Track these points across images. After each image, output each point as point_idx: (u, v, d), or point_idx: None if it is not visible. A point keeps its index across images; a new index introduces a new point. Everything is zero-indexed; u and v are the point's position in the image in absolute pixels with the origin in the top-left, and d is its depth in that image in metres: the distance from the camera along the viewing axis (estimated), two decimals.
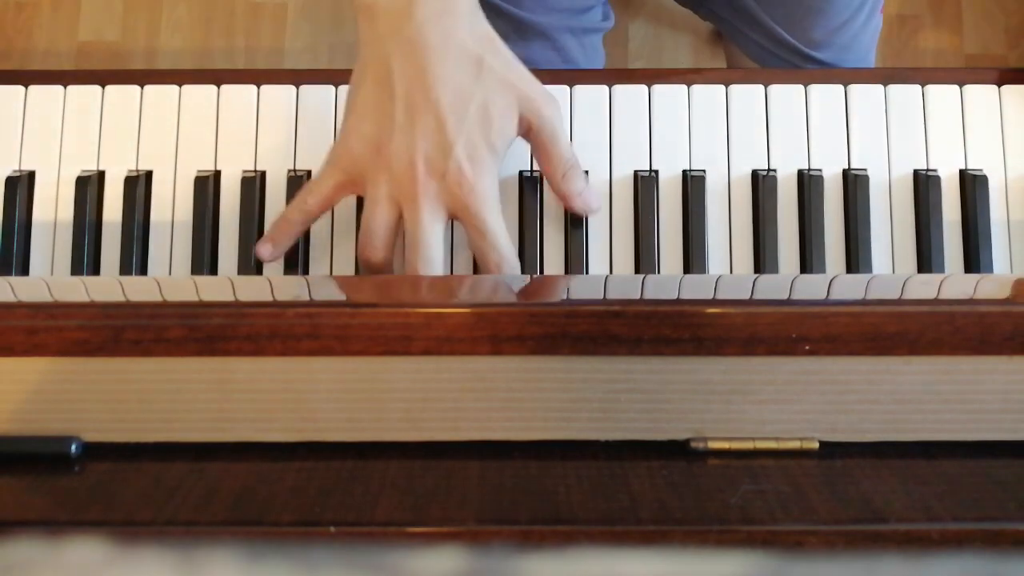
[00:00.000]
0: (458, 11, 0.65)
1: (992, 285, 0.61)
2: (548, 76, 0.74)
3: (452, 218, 0.66)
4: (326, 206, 0.68)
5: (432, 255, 0.65)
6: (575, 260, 0.71)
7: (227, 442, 0.52)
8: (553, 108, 0.67)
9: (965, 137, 0.73)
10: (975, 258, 0.70)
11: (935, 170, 0.72)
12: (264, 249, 0.69)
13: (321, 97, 0.73)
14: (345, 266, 0.71)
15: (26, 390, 0.51)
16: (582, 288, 0.62)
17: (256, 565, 0.21)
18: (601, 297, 0.58)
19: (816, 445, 0.51)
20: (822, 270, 0.70)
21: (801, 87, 0.73)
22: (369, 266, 0.66)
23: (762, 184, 0.71)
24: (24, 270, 0.71)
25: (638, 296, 0.60)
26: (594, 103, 0.73)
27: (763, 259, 0.70)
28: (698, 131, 0.73)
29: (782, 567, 0.24)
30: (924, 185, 0.71)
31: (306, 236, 0.71)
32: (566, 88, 0.73)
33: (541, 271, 0.70)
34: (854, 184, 0.71)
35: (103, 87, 0.74)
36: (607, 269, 0.71)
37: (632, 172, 0.72)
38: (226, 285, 0.64)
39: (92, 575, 0.21)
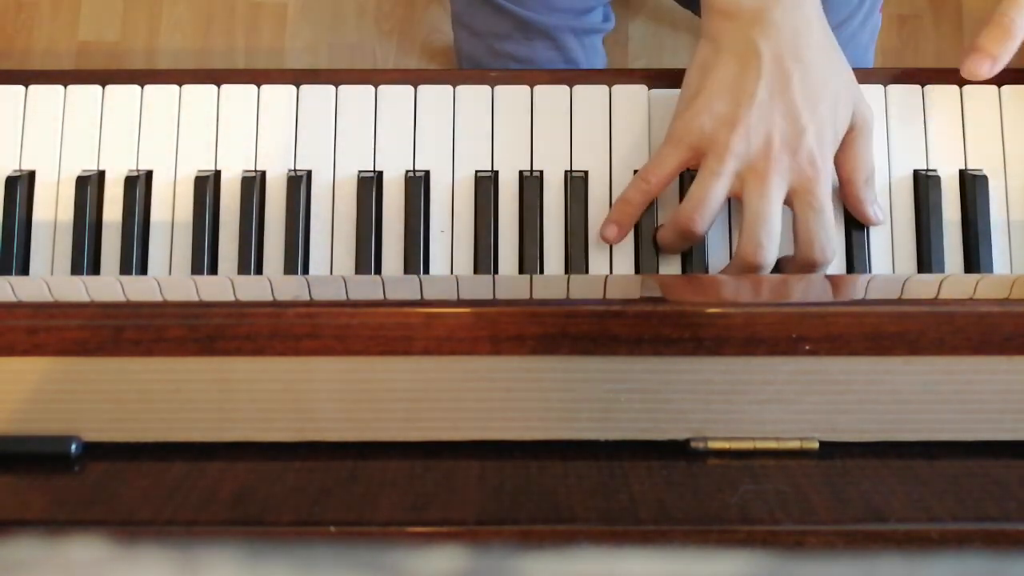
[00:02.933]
0: (813, 1, 0.68)
1: (992, 285, 0.61)
2: (548, 76, 0.74)
3: (787, 198, 0.67)
4: (668, 183, 0.70)
5: (775, 229, 0.66)
6: (575, 260, 0.71)
7: (227, 442, 0.51)
8: (871, 112, 0.70)
9: (965, 137, 0.72)
10: (975, 258, 0.70)
11: (935, 170, 0.72)
12: (610, 231, 0.70)
13: (321, 97, 0.73)
14: (345, 266, 0.71)
15: (26, 390, 0.51)
16: (582, 288, 0.62)
17: (256, 565, 0.21)
18: (601, 297, 0.58)
19: (816, 445, 0.51)
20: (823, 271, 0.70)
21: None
22: (689, 236, 0.68)
23: None
24: (24, 270, 0.71)
25: (638, 296, 0.60)
26: (594, 103, 0.73)
27: None
28: None
29: (782, 567, 0.24)
30: (924, 185, 0.71)
31: (306, 236, 0.71)
32: (566, 88, 0.73)
33: (541, 271, 0.70)
34: None
35: (103, 87, 0.74)
36: (607, 269, 0.71)
37: (632, 172, 0.72)
38: (226, 285, 0.64)
39: (93, 573, 0.21)
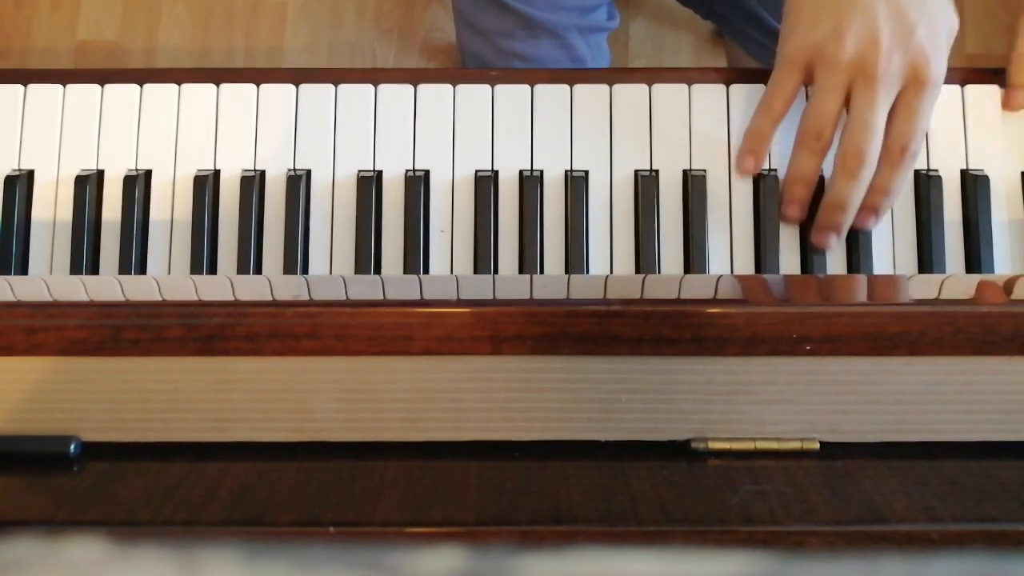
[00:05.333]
0: None
1: (992, 286, 0.61)
2: (548, 75, 0.74)
3: (897, 99, 0.66)
4: (791, 104, 0.70)
5: (878, 136, 0.66)
6: (575, 260, 0.70)
7: (226, 442, 0.51)
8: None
9: (966, 137, 0.72)
10: (976, 258, 0.70)
11: (936, 170, 0.72)
12: (748, 163, 0.71)
13: (321, 96, 0.73)
14: (345, 266, 0.71)
15: (25, 389, 0.51)
16: (582, 288, 0.62)
17: (255, 563, 0.21)
18: (601, 297, 0.58)
19: (817, 446, 0.51)
20: (823, 270, 0.70)
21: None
22: (818, 146, 0.68)
23: (763, 184, 0.71)
24: (23, 269, 0.71)
25: (638, 296, 0.60)
26: (594, 102, 0.73)
27: (764, 259, 0.70)
28: (699, 130, 0.72)
29: (783, 567, 0.24)
30: (925, 185, 0.71)
31: (305, 235, 0.71)
32: (566, 87, 0.73)
33: (541, 271, 0.70)
34: None
35: (102, 86, 0.74)
36: (607, 269, 0.71)
37: (633, 172, 0.72)
38: (225, 284, 0.64)
39: (92, 573, 0.21)
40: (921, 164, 0.72)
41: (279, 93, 0.73)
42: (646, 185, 0.71)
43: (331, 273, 0.71)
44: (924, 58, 0.65)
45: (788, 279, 0.67)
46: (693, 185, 0.71)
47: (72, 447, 0.50)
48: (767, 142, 0.71)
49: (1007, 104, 0.71)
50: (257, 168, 0.72)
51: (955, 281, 0.64)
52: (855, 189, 0.67)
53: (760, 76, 0.74)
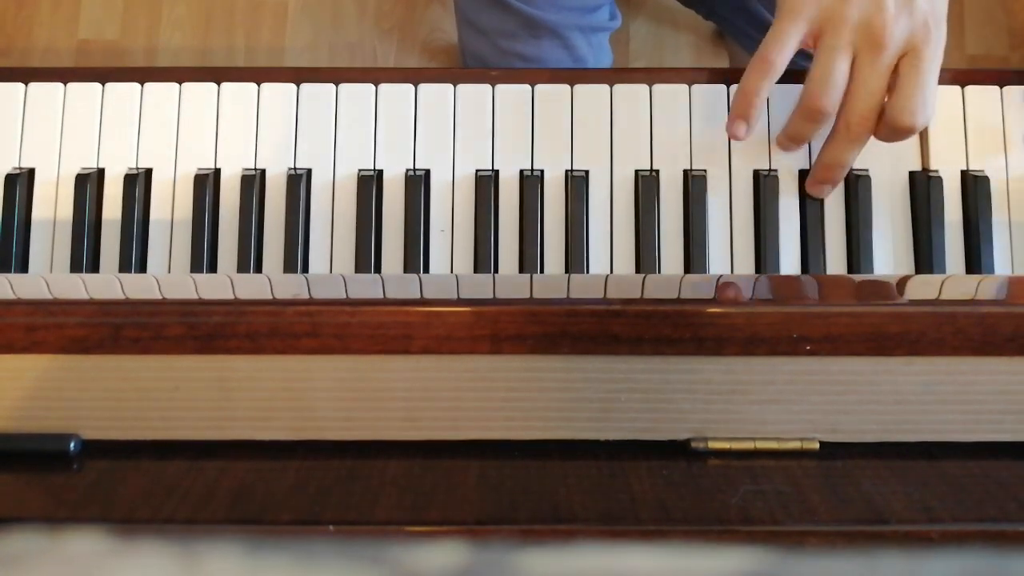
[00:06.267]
0: None
1: (993, 286, 0.61)
2: (549, 75, 0.74)
3: (896, 64, 0.66)
4: (787, 63, 0.67)
5: (881, 101, 0.65)
6: (575, 260, 0.70)
7: (226, 440, 0.51)
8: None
9: (967, 137, 0.72)
10: (976, 258, 0.70)
11: (936, 170, 0.72)
12: (739, 129, 0.68)
13: (322, 95, 0.73)
14: (345, 265, 0.71)
15: (25, 387, 0.51)
16: (582, 288, 0.62)
17: (256, 556, 0.21)
18: (601, 297, 0.58)
19: (817, 445, 0.51)
20: (823, 270, 0.70)
21: (801, 87, 0.73)
22: (819, 117, 0.67)
23: (764, 184, 0.71)
24: (23, 267, 0.71)
25: (638, 296, 0.60)
26: (595, 102, 0.73)
27: (764, 259, 0.70)
28: (699, 130, 0.72)
29: (783, 563, 0.24)
30: (925, 185, 0.71)
31: (306, 234, 0.71)
32: (567, 87, 0.73)
33: (541, 271, 0.70)
34: (855, 184, 0.71)
35: (103, 84, 0.74)
36: (607, 269, 0.71)
37: (633, 172, 0.72)
38: (225, 283, 0.64)
39: (93, 566, 0.21)
40: (920, 165, 0.72)
41: (280, 92, 0.73)
42: (646, 185, 0.71)
43: (331, 272, 0.71)
44: (925, 24, 0.65)
45: (788, 279, 0.67)
46: (693, 185, 0.71)
47: (72, 445, 0.50)
48: (761, 103, 0.68)
49: None
50: (257, 167, 0.72)
51: (955, 281, 0.64)
52: (854, 152, 0.68)
53: None
